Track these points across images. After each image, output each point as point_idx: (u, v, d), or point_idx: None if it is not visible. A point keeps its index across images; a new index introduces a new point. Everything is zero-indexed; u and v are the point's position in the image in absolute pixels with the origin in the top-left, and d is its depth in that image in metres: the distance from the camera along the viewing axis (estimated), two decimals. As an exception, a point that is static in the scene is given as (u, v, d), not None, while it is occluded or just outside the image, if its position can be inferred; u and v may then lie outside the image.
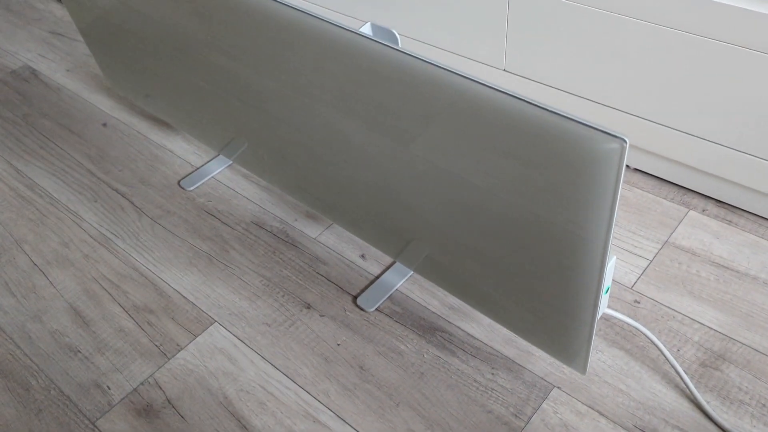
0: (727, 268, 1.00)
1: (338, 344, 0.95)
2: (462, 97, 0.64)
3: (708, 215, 1.08)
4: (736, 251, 1.02)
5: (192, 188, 1.23)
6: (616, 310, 0.95)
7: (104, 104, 1.46)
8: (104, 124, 1.40)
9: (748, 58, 0.90)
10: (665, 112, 1.03)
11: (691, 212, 1.09)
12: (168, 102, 1.19)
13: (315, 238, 1.11)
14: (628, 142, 0.54)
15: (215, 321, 0.99)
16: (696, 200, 1.11)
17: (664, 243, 1.04)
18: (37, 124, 1.42)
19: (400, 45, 0.78)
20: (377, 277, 1.04)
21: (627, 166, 1.18)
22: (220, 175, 1.25)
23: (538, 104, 0.58)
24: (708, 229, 1.06)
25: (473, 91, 0.62)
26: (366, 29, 0.85)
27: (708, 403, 0.84)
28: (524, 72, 1.16)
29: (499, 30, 1.14)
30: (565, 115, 0.57)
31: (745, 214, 1.08)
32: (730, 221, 1.07)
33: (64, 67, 1.60)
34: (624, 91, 1.05)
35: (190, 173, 1.26)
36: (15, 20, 1.81)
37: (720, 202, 1.10)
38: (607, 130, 0.55)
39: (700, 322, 0.93)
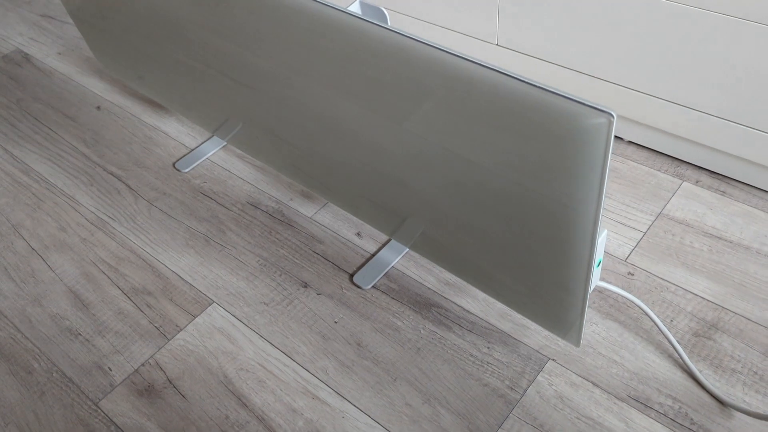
0: (721, 238, 1.00)
1: (336, 322, 0.96)
2: (451, 75, 0.64)
3: (701, 186, 1.08)
4: (729, 221, 1.02)
5: (187, 170, 1.23)
6: (609, 282, 0.96)
7: (97, 87, 1.46)
8: (98, 107, 1.40)
9: (741, 28, 0.90)
10: (658, 83, 1.03)
11: (685, 183, 1.09)
12: (161, 83, 1.19)
13: (310, 218, 1.12)
14: (615, 116, 0.55)
15: (213, 301, 1.00)
16: (689, 171, 1.11)
17: (658, 215, 1.05)
18: (31, 108, 1.42)
19: (389, 23, 0.77)
20: (373, 255, 1.04)
21: (620, 138, 1.18)
22: (214, 156, 1.25)
23: (526, 80, 0.59)
24: (701, 200, 1.06)
25: (462, 69, 0.62)
26: (355, 8, 0.84)
27: (701, 372, 0.85)
28: (517, 46, 1.16)
29: (492, 4, 1.13)
30: (552, 90, 0.57)
31: (739, 185, 1.08)
32: (723, 192, 1.07)
33: (55, 51, 1.59)
34: (617, 64, 1.05)
35: (184, 155, 1.26)
36: (5, 3, 1.79)
37: (713, 173, 1.10)
38: (594, 105, 0.55)
39: (693, 293, 0.94)
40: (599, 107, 0.55)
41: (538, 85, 0.58)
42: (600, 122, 0.55)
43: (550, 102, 0.58)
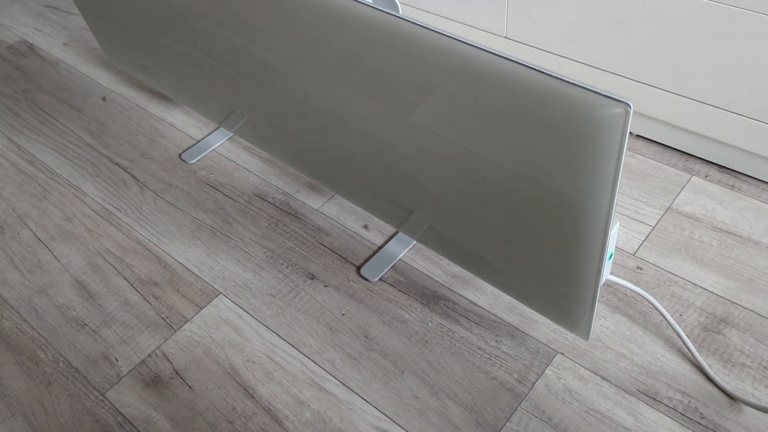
0: (730, 233, 1.00)
1: (343, 314, 0.96)
2: (464, 64, 0.63)
3: (711, 181, 1.08)
4: (738, 216, 1.02)
5: (193, 161, 1.22)
6: (618, 276, 0.96)
7: (103, 78, 1.45)
8: (103, 98, 1.40)
9: (751, 21, 0.89)
10: (668, 77, 1.02)
11: (694, 178, 1.09)
12: (167, 74, 1.18)
13: (317, 209, 1.11)
14: (632, 106, 0.54)
15: (220, 293, 1.00)
16: (699, 166, 1.11)
17: (667, 209, 1.04)
18: (37, 99, 1.42)
19: (400, 12, 0.77)
20: (380, 247, 1.04)
21: (630, 132, 1.18)
22: (221, 147, 1.25)
23: (541, 70, 0.58)
24: (711, 195, 1.06)
25: (475, 58, 0.62)
26: (366, -3, 0.83)
27: (710, 366, 0.85)
28: (526, 39, 1.15)
29: (500, -4, 1.12)
30: (568, 80, 0.57)
31: (748, 179, 1.07)
32: (732, 186, 1.07)
33: (61, 41, 1.58)
34: (626, 57, 1.04)
35: (190, 146, 1.25)
36: (10, -6, 1.79)
37: (722, 167, 1.10)
38: (611, 95, 0.55)
39: (702, 287, 0.93)
40: (616, 97, 0.54)
41: (552, 74, 0.57)
42: (617, 112, 0.55)
43: (564, 92, 0.57)
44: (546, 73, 0.58)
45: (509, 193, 0.71)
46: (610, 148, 0.58)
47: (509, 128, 0.64)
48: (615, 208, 1.04)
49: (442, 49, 0.64)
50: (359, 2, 0.68)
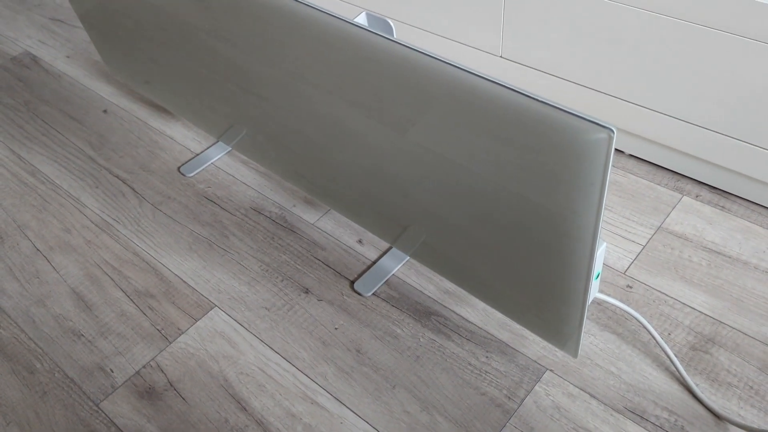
0: (719, 253, 1.01)
1: (336, 328, 0.97)
2: (455, 87, 0.65)
3: (701, 201, 1.09)
4: (728, 237, 1.03)
5: (192, 174, 1.24)
6: (608, 294, 0.97)
7: (104, 91, 1.47)
8: (104, 111, 1.42)
9: (741, 45, 0.91)
10: (660, 98, 1.04)
11: (685, 198, 1.10)
12: (167, 88, 1.20)
13: (313, 224, 1.13)
14: (615, 131, 0.56)
15: (215, 305, 1.01)
16: (690, 186, 1.12)
17: (658, 228, 1.06)
18: (39, 110, 1.43)
19: (395, 34, 0.79)
20: (374, 263, 1.05)
21: (622, 151, 1.19)
22: (219, 161, 1.26)
23: (529, 94, 0.60)
24: (701, 215, 1.07)
25: (466, 82, 0.64)
26: (361, 19, 0.85)
27: (697, 385, 0.86)
28: (521, 59, 1.17)
29: (496, 17, 1.14)
30: (554, 105, 0.58)
31: (738, 200, 1.09)
32: (723, 207, 1.08)
33: (64, 54, 1.60)
34: (620, 78, 1.06)
35: (189, 159, 1.27)
36: (15, 6, 1.81)
37: (713, 187, 1.11)
38: (595, 120, 0.56)
39: (691, 307, 0.94)
40: (600, 122, 0.56)
41: (539, 99, 0.59)
42: (600, 137, 0.56)
43: (551, 116, 0.59)
44: (533, 98, 0.59)
45: (499, 211, 0.72)
46: (594, 170, 0.59)
47: (498, 149, 0.66)
48: (603, 227, 1.06)
49: (435, 72, 0.66)
50: (355, 25, 0.70)
